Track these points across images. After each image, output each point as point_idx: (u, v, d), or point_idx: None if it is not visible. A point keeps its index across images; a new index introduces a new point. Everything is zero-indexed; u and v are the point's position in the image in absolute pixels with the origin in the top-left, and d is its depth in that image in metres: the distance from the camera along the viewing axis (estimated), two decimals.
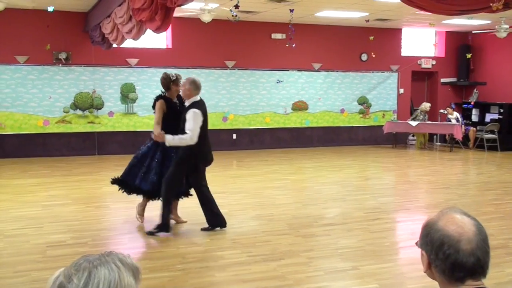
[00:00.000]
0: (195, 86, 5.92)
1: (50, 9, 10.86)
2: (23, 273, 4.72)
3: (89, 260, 1.12)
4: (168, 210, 5.94)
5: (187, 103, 5.97)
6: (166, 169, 6.02)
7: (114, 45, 10.78)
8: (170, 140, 5.75)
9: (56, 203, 7.63)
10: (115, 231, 6.32)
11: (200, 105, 5.90)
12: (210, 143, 6.14)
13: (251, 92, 14.43)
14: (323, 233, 6.11)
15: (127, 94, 13.26)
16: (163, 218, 5.89)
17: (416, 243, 1.68)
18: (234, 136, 14.33)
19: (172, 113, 6.13)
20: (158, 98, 6.29)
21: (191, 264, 4.93)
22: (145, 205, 6.43)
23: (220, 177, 10.13)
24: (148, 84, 13.40)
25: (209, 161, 6.16)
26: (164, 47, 13.61)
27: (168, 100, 6.22)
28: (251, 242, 5.67)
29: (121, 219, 6.87)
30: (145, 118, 13.40)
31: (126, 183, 6.31)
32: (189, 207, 6.75)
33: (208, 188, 6.17)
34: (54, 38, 12.50)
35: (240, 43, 14.09)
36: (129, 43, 10.65)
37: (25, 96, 12.44)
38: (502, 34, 11.85)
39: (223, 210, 7.13)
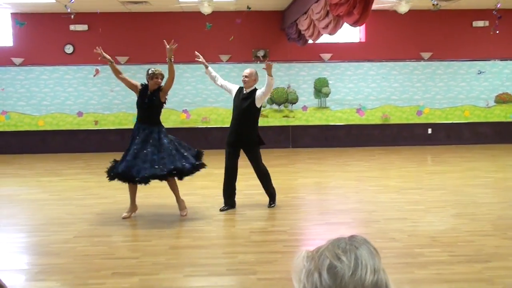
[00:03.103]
0: (257, 77, 6.99)
1: (247, 9, 11.52)
2: (230, 254, 5.12)
3: (347, 242, 1.16)
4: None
5: (248, 91, 6.91)
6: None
7: (310, 41, 11.06)
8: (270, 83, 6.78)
9: (256, 192, 8.08)
10: (311, 222, 6.51)
11: None
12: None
13: (449, 85, 13.68)
14: None
15: (320, 89, 13.52)
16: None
17: None
18: (430, 130, 13.72)
19: (141, 100, 6.53)
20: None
21: (390, 259, 4.85)
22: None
23: (415, 172, 9.81)
24: (341, 79, 13.50)
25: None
26: (357, 41, 13.57)
27: (144, 88, 6.57)
28: (452, 241, 5.39)
29: (315, 210, 7.06)
30: (338, 112, 13.53)
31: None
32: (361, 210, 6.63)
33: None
34: (254, 36, 13.26)
35: (437, 33, 13.43)
36: (322, 39, 10.84)
37: (225, 93, 13.39)
38: None
39: (419, 207, 6.94)
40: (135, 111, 14.53)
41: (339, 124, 13.60)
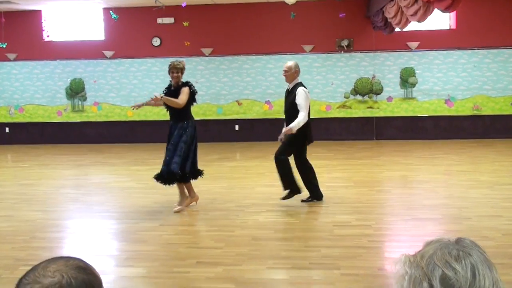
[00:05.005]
0: (299, 69, 6.65)
1: None
2: (313, 248, 5.04)
3: (458, 248, 1.06)
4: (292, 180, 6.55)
5: (291, 86, 6.57)
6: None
7: (396, 29, 10.69)
8: (295, 126, 6.28)
9: (340, 185, 7.96)
10: (397, 216, 6.28)
11: (304, 85, 6.60)
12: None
13: None
14: None
15: (407, 79, 13.06)
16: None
17: None
18: None
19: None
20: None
21: None
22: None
23: (511, 167, 9.25)
24: (429, 68, 12.97)
25: (312, 139, 6.69)
26: (447, 27, 12.96)
27: (168, 86, 6.74)
28: None
29: (401, 204, 6.81)
30: (425, 103, 13.02)
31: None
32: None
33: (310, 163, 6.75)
34: (337, 25, 13.01)
35: None
36: (410, 26, 10.43)
37: (309, 83, 13.24)
38: None
39: None
40: (219, 102, 14.79)
41: (426, 116, 13.09)
